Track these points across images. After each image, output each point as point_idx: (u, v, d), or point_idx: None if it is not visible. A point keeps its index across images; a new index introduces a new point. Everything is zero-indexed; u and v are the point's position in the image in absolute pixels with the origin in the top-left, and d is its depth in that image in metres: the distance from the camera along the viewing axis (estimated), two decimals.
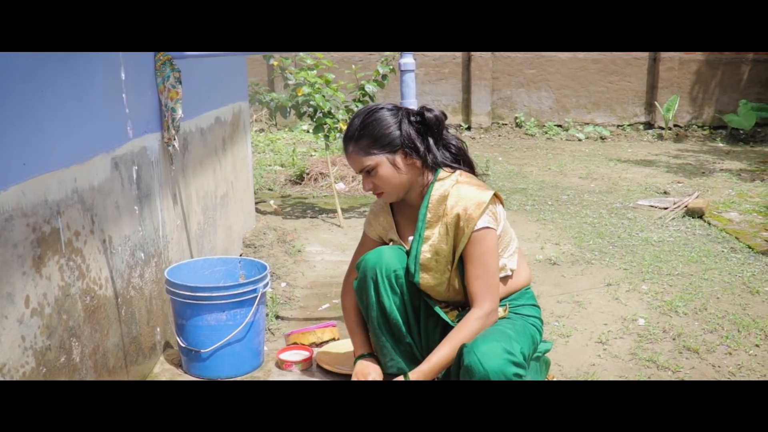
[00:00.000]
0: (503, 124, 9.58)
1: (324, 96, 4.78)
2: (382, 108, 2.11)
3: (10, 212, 1.63)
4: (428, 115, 2.10)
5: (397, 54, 4.62)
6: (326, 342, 2.76)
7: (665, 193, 5.96)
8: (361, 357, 2.27)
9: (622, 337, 3.02)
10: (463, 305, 2.18)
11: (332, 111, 4.78)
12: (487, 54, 9.28)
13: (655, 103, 9.23)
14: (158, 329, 2.63)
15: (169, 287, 2.47)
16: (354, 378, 2.21)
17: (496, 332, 1.97)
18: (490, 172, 6.79)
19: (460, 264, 2.10)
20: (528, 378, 1.98)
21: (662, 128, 9.21)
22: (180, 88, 2.64)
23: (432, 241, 2.11)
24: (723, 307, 3.34)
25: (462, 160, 2.19)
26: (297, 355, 2.60)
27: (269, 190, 6.17)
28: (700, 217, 5.01)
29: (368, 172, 2.10)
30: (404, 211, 2.24)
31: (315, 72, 4.84)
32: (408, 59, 2.72)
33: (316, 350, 2.65)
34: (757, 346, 2.93)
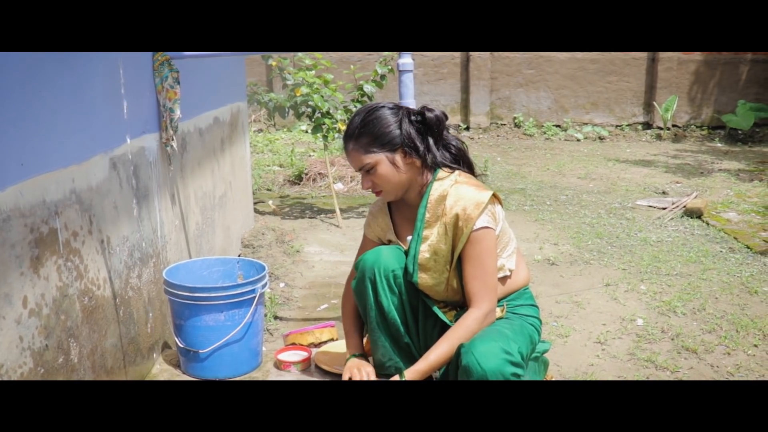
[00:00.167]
0: (502, 125, 9.58)
1: (322, 96, 4.78)
2: (383, 107, 2.12)
3: (7, 213, 1.63)
4: (429, 114, 2.10)
5: (395, 54, 4.62)
6: (325, 342, 2.76)
7: (664, 193, 5.96)
8: (353, 357, 2.27)
9: (620, 338, 3.02)
10: (461, 305, 2.18)
11: (331, 111, 4.78)
12: (486, 54, 9.29)
13: (654, 103, 9.24)
14: (156, 330, 2.63)
15: (168, 288, 2.47)
16: (346, 371, 2.20)
17: (493, 332, 1.97)
18: (489, 173, 6.79)
19: (458, 264, 2.10)
20: (526, 378, 1.98)
21: (661, 128, 9.22)
22: (178, 88, 2.64)
23: (431, 240, 2.11)
24: (721, 307, 3.34)
25: (461, 161, 2.19)
26: (295, 355, 2.60)
27: (268, 190, 6.17)
28: (699, 217, 5.01)
29: (367, 171, 2.10)
30: (403, 211, 2.24)
31: (313, 72, 4.84)
32: (406, 59, 2.72)
33: (314, 351, 2.65)
34: (755, 346, 2.93)
